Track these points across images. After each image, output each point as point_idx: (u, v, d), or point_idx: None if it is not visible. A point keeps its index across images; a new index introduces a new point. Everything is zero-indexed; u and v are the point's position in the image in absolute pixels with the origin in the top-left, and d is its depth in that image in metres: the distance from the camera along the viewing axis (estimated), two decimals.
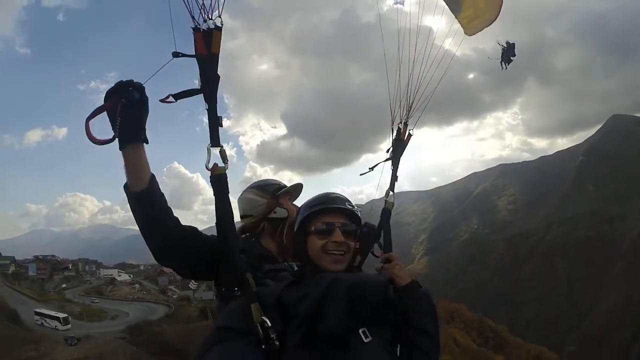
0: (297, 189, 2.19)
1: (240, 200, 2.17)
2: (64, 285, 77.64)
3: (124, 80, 1.46)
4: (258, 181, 2.22)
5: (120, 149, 1.49)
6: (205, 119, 1.54)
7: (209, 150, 1.51)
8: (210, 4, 1.53)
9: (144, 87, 1.48)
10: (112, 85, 1.47)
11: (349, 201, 1.64)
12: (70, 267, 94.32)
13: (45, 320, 42.82)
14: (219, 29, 1.52)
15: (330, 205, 1.59)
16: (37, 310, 44.97)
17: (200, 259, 1.65)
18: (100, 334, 41.48)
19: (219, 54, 1.53)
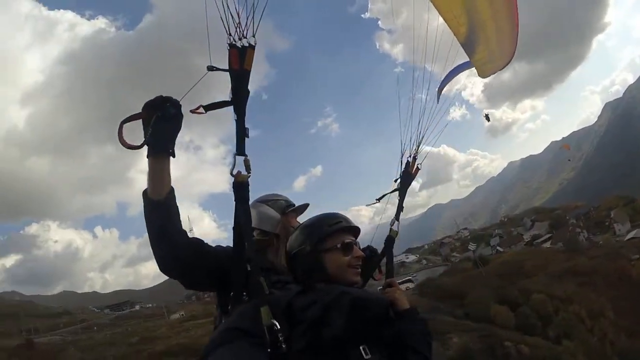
0: (304, 207, 2.28)
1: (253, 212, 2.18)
2: None
3: (164, 95, 1.56)
4: (266, 195, 2.29)
5: (147, 157, 1.58)
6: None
7: (234, 158, 1.60)
8: (246, 24, 1.63)
9: (180, 105, 1.58)
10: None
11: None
12: None
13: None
14: (252, 47, 1.62)
15: (349, 225, 1.72)
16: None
17: (205, 270, 1.75)
18: None
19: (250, 71, 1.63)
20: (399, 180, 2.59)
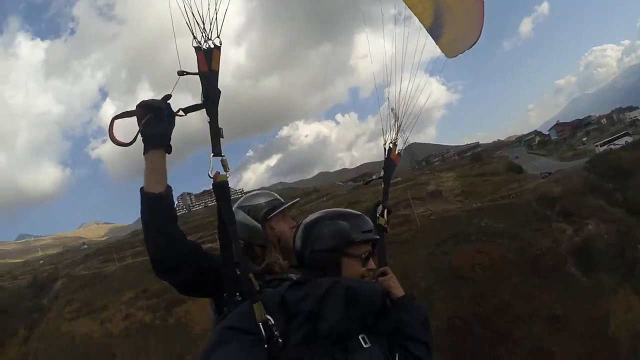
0: (291, 206, 2.20)
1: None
2: (584, 139, 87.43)
3: (156, 99, 1.64)
4: (247, 198, 2.20)
5: (143, 154, 1.63)
6: None
7: (210, 159, 1.60)
8: (210, 27, 1.67)
9: (170, 106, 1.65)
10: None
11: None
12: (593, 122, 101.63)
13: (613, 144, 60.13)
14: (218, 48, 1.66)
15: (376, 238, 1.73)
16: (599, 143, 64.87)
17: (200, 269, 1.72)
18: (570, 167, 55.51)
19: (218, 71, 1.66)
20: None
